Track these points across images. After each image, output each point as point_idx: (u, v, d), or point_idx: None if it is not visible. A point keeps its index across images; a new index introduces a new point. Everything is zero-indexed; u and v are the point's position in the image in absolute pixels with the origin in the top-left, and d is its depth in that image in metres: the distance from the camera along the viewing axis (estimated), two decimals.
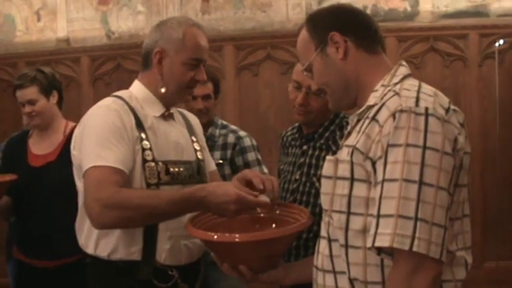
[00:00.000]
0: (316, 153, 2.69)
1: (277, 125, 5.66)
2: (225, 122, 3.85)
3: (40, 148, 3.45)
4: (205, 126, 3.45)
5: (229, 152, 3.69)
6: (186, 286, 2.39)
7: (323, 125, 2.71)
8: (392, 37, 5.80)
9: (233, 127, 3.83)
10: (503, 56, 5.78)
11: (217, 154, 3.64)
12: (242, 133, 3.78)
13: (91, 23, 6.43)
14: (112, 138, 2.21)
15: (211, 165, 2.71)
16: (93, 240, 2.31)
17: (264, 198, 2.13)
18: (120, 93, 2.43)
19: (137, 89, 2.46)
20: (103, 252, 2.29)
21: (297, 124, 2.90)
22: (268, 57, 6.01)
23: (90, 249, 2.34)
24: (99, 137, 2.21)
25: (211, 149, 3.42)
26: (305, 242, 2.61)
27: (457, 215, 1.72)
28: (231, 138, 3.72)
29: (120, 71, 6.25)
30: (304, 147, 2.76)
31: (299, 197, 2.69)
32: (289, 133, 2.99)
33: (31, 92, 3.39)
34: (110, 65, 6.35)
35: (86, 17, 6.43)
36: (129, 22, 6.35)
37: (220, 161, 3.59)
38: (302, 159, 2.74)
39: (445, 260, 1.58)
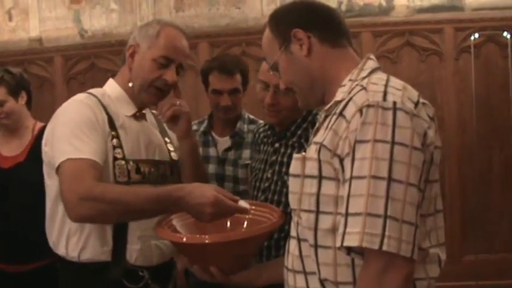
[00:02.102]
0: (289, 151, 2.63)
1: None
2: (251, 116, 3.54)
3: (9, 149, 3.39)
4: (234, 121, 3.39)
5: None
6: (158, 287, 2.34)
7: (295, 122, 2.66)
8: (367, 32, 5.83)
9: (262, 121, 3.38)
10: (478, 50, 5.80)
11: (246, 153, 3.35)
12: None
13: (64, 22, 6.35)
14: (86, 131, 2.18)
15: None
16: (64, 238, 2.27)
17: (243, 203, 2.07)
18: (92, 90, 2.39)
19: (111, 87, 2.42)
20: (73, 251, 2.25)
21: None
22: (243, 54, 5.95)
23: (60, 249, 2.29)
24: (74, 130, 2.17)
25: (239, 146, 3.35)
26: (276, 242, 2.55)
27: (429, 211, 1.68)
28: None
29: (94, 70, 6.19)
30: (276, 144, 2.71)
31: (270, 196, 2.64)
32: (261, 129, 2.93)
33: None
34: (84, 64, 6.29)
35: (58, 16, 6.35)
36: (103, 20, 6.28)
37: (248, 162, 3.30)
38: (274, 157, 2.69)
39: (416, 258, 1.54)
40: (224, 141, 3.42)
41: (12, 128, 3.40)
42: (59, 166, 2.14)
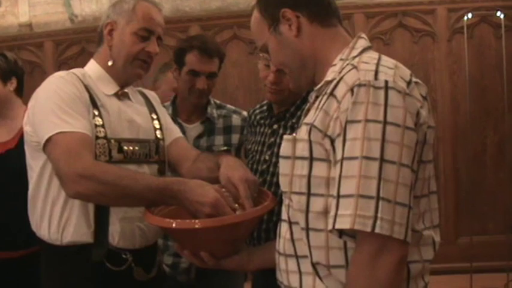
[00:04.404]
0: (288, 132, 2.57)
1: (245, 105, 5.39)
2: (218, 101, 3.36)
3: None
4: (201, 106, 3.23)
5: (235, 137, 3.24)
6: (141, 270, 2.31)
7: (295, 103, 2.61)
8: (360, 13, 5.81)
9: (230, 106, 3.37)
10: (472, 31, 5.78)
11: (220, 139, 3.22)
12: (246, 113, 3.23)
13: (54, 7, 6.29)
14: (73, 105, 2.16)
15: (173, 134, 2.60)
16: (46, 220, 2.24)
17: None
18: (73, 70, 2.36)
19: (91, 67, 2.40)
20: (55, 233, 2.22)
21: (265, 102, 2.80)
22: (234, 37, 5.97)
23: (43, 231, 2.27)
24: (60, 105, 2.14)
25: (211, 133, 3.22)
26: (275, 225, 2.49)
27: (423, 192, 1.65)
28: (236, 120, 3.26)
29: (85, 55, 6.06)
30: (275, 126, 2.66)
31: (269, 178, 2.59)
32: (257, 111, 2.88)
33: None
34: (75, 49, 6.25)
35: (48, 1, 6.28)
36: (93, 5, 6.23)
37: (225, 148, 3.19)
38: (272, 139, 2.64)
39: (410, 240, 1.51)
40: (193, 128, 3.24)
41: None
42: (48, 139, 2.10)
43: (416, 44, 5.88)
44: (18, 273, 3.22)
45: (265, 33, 1.86)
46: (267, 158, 2.63)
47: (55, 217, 2.22)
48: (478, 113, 5.78)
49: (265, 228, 2.54)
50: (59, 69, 6.13)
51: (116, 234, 2.25)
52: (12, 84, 3.34)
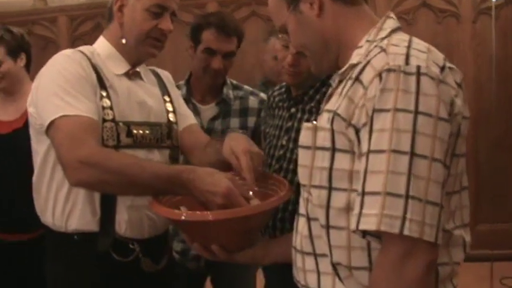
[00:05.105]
0: (306, 116, 2.45)
1: None
2: (234, 82, 3.21)
3: (6, 114, 3.26)
4: (216, 87, 3.10)
5: (251, 120, 3.10)
6: (149, 261, 2.22)
7: (314, 86, 2.47)
8: None
9: (248, 87, 3.22)
10: (498, 12, 5.58)
11: (235, 121, 3.09)
12: (264, 95, 3.12)
13: None
14: (78, 86, 2.05)
15: (187, 120, 2.49)
16: (51, 206, 2.16)
17: (256, 203, 1.91)
18: (81, 47, 2.25)
19: (100, 44, 2.28)
20: (59, 220, 2.14)
21: (284, 83, 2.66)
22: (252, 14, 5.86)
23: (47, 217, 2.19)
24: (64, 86, 2.04)
25: (227, 114, 3.08)
26: (291, 214, 2.35)
27: (455, 189, 1.52)
28: (252, 102, 3.12)
29: (100, 31, 5.71)
30: (293, 109, 2.52)
31: (285, 165, 2.46)
32: (276, 93, 2.74)
33: None
34: (89, 24, 6.19)
35: None
36: None
37: (240, 131, 2.91)
38: (290, 123, 2.52)
39: (441, 242, 1.38)
40: (208, 110, 3.11)
41: (8, 91, 3.27)
42: (51, 123, 2.00)
43: (440, 24, 5.75)
44: (28, 256, 3.16)
45: (284, 12, 1.72)
46: (284, 143, 2.51)
47: (59, 204, 2.14)
48: (503, 97, 5.63)
49: (280, 218, 2.43)
50: (72, 45, 6.09)
51: (123, 223, 2.15)
52: (22, 60, 3.30)
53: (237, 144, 2.04)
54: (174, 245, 2.89)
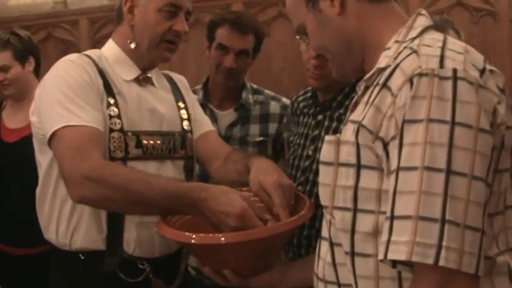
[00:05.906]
0: (334, 125, 2.29)
1: (291, 88, 5.18)
2: (255, 86, 3.10)
3: (14, 121, 3.22)
4: (235, 91, 2.98)
5: (272, 126, 2.97)
6: (161, 282, 2.09)
7: (343, 91, 2.30)
8: None
9: (269, 92, 3.10)
10: None
11: (255, 128, 2.95)
12: (286, 100, 2.99)
13: None
14: (82, 94, 1.95)
15: (203, 127, 2.36)
16: (54, 221, 2.08)
17: (272, 224, 1.78)
18: (88, 51, 2.17)
19: (109, 48, 2.18)
20: (63, 238, 2.05)
21: (309, 88, 2.50)
22: (280, 15, 5.65)
23: (51, 233, 2.11)
24: (68, 94, 1.94)
25: (246, 121, 2.95)
26: (317, 232, 2.21)
27: (498, 209, 1.34)
28: (274, 108, 2.99)
29: None
30: (320, 117, 2.35)
31: (312, 177, 2.29)
32: (300, 98, 2.58)
33: (3, 57, 3.18)
34: (111, 27, 5.94)
35: None
36: None
37: (261, 138, 2.93)
38: (316, 132, 2.35)
39: (482, 273, 1.21)
40: (226, 116, 2.98)
41: (17, 98, 3.23)
42: (54, 134, 1.90)
43: (476, 24, 5.53)
44: (37, 270, 2.98)
45: (303, 11, 1.58)
46: (310, 153, 2.35)
47: (63, 220, 2.05)
48: None
49: (306, 235, 2.27)
50: (94, 48, 5.95)
51: (131, 242, 2.04)
52: (31, 64, 3.26)
53: (266, 178, 1.89)
54: (190, 261, 2.78)
